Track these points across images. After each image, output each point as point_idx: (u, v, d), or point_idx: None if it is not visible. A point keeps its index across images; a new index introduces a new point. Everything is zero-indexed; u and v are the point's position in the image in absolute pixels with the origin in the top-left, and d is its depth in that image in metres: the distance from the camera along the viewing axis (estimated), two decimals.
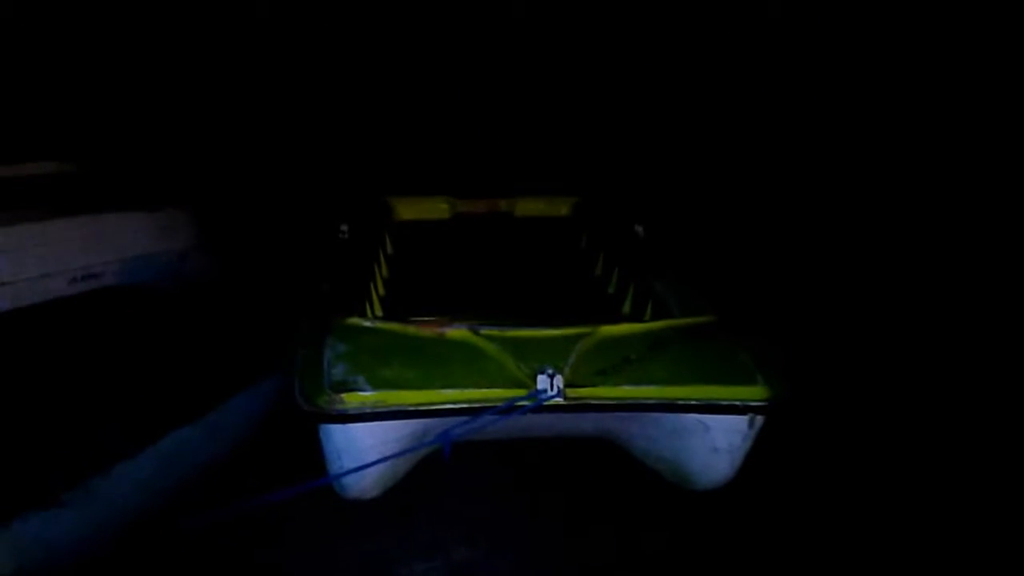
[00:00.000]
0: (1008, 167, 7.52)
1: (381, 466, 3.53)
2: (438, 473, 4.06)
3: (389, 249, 6.32)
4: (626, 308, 5.44)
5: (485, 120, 10.03)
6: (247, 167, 8.79)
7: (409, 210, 6.98)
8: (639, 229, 6.11)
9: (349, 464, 3.51)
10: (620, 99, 10.19)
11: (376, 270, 5.72)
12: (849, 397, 5.33)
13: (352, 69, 10.27)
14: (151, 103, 9.42)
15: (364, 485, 3.72)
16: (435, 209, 7.04)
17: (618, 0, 10.07)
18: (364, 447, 3.49)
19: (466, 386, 3.49)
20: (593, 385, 3.53)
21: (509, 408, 3.41)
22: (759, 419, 3.64)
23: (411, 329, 3.99)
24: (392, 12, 10.23)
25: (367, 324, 4.05)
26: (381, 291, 5.55)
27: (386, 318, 4.86)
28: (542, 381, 3.42)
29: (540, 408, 3.43)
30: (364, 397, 3.38)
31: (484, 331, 3.90)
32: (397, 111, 10.20)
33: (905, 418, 5.11)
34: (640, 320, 4.89)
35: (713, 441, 3.74)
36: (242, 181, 8.32)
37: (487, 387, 3.49)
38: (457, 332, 3.89)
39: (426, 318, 4.54)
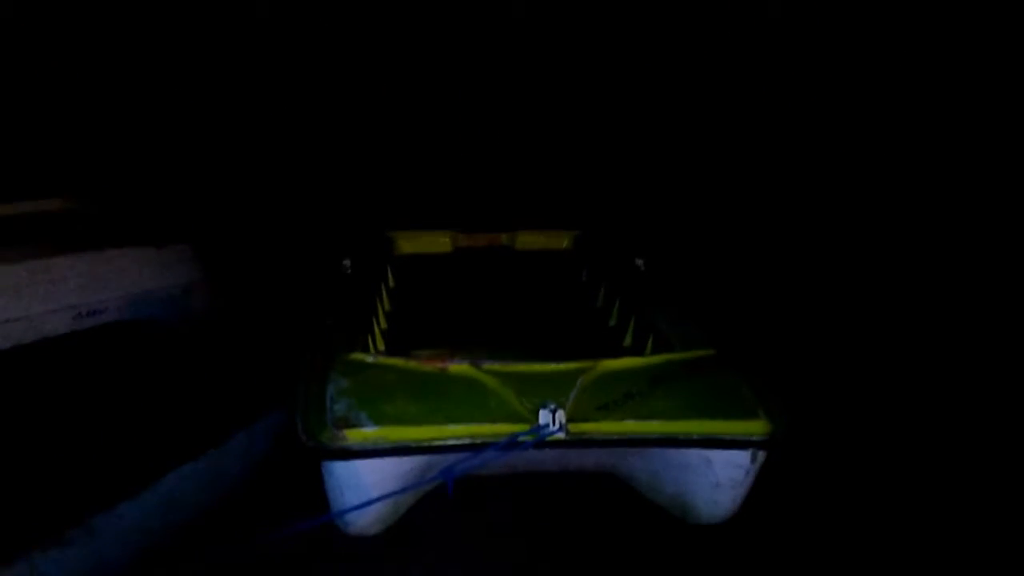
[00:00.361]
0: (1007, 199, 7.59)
1: (383, 502, 3.53)
2: (440, 508, 4.06)
3: (391, 283, 6.35)
4: (627, 341, 5.45)
5: (486, 155, 10.12)
6: (251, 202, 8.86)
7: (411, 244, 7.03)
8: (639, 262, 6.13)
9: (352, 500, 3.51)
10: (620, 133, 10.29)
11: (378, 304, 5.74)
12: (852, 430, 5.33)
13: (355, 106, 10.39)
14: (154, 140, 9.52)
15: (366, 521, 3.71)
16: (436, 243, 7.09)
17: (617, 40, 10.20)
18: (367, 483, 3.49)
19: (468, 421, 3.49)
20: (595, 420, 3.53)
21: (511, 443, 3.41)
22: (761, 454, 3.63)
23: (413, 364, 4.00)
24: (393, 51, 10.36)
25: (369, 359, 4.05)
26: (383, 325, 5.57)
27: (388, 352, 4.87)
28: (544, 416, 3.41)
29: (542, 443, 3.43)
30: (367, 433, 3.39)
31: (486, 365, 3.92)
32: (399, 147, 10.29)
33: (911, 450, 5.11)
34: (641, 353, 4.90)
35: (715, 476, 3.73)
36: (246, 216, 8.38)
37: (489, 422, 3.50)
38: (459, 367, 3.90)
39: (428, 352, 4.57)
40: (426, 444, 3.45)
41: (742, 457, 3.64)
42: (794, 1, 9.38)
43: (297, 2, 10.05)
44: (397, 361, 4.04)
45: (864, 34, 9.00)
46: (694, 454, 3.72)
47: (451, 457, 3.48)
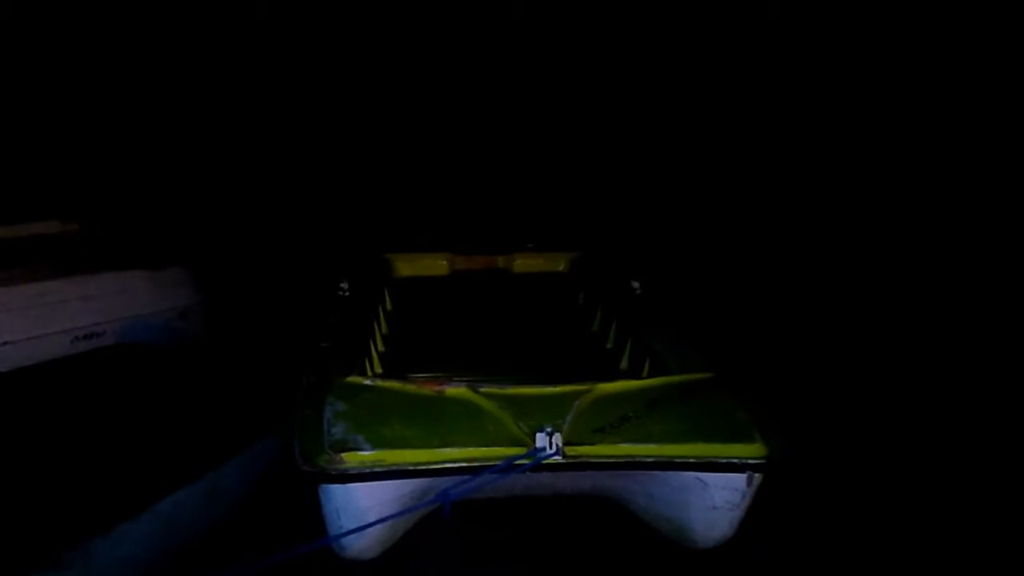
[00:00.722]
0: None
1: (380, 526, 3.51)
2: (436, 532, 4.05)
3: (388, 306, 6.36)
4: (623, 364, 5.46)
5: (483, 177, 10.17)
6: (248, 225, 8.89)
7: (408, 267, 7.06)
8: (636, 284, 6.14)
9: (348, 525, 3.49)
10: (616, 155, 10.34)
11: (376, 327, 5.75)
12: (851, 451, 5.33)
13: (352, 128, 10.44)
14: (151, 162, 9.56)
15: (363, 546, 3.69)
16: (434, 266, 7.12)
17: (613, 59, 10.29)
18: (364, 507, 3.48)
19: (465, 445, 3.50)
20: (591, 443, 3.54)
21: (508, 467, 3.42)
22: (757, 477, 3.64)
23: (410, 387, 4.01)
24: (388, 72, 10.44)
25: (366, 382, 4.06)
26: (381, 348, 5.58)
27: (386, 375, 4.87)
28: (541, 439, 3.42)
29: (539, 467, 3.43)
30: (364, 457, 3.39)
31: (483, 389, 3.93)
32: (396, 168, 10.34)
33: (910, 471, 5.11)
34: (638, 376, 4.92)
35: (712, 499, 3.72)
36: (243, 239, 8.41)
37: (486, 446, 3.50)
38: (456, 390, 3.91)
39: (425, 375, 4.58)
40: (423, 467, 3.45)
41: (738, 480, 3.64)
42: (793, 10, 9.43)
43: (294, 22, 10.14)
44: (394, 384, 4.05)
45: (866, 43, 9.06)
46: (690, 477, 3.71)
47: (448, 480, 3.48)
